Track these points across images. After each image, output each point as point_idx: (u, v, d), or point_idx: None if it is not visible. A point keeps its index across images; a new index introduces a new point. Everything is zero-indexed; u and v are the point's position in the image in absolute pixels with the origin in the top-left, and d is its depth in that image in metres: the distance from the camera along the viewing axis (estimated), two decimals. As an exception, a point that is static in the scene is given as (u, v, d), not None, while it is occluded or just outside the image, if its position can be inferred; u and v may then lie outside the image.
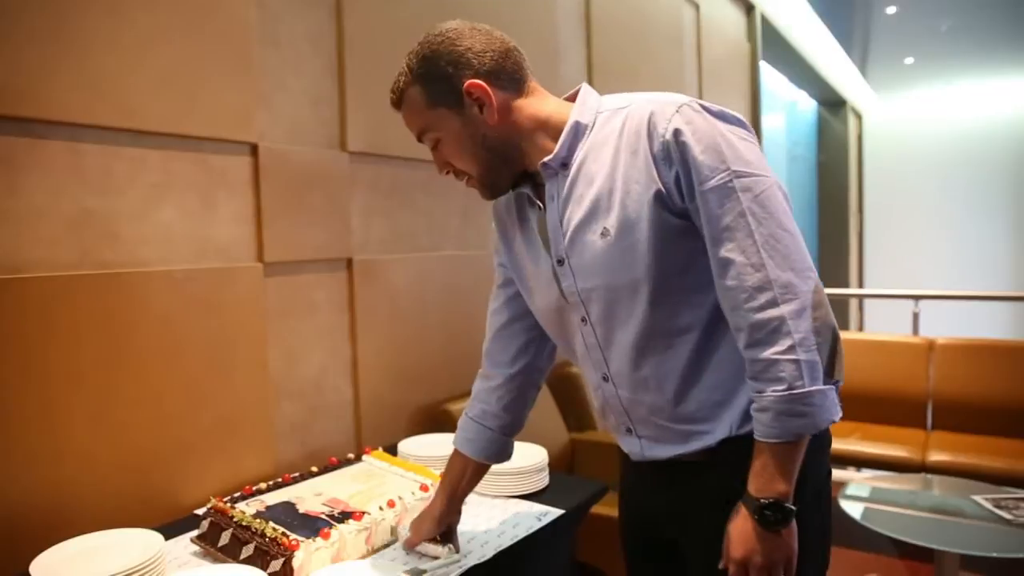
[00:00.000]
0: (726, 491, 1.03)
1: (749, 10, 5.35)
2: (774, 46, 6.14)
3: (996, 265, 9.35)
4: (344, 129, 2.04)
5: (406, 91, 1.11)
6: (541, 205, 1.14)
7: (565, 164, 1.09)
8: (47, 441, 1.39)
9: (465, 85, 1.06)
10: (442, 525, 1.34)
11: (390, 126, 2.17)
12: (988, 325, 6.17)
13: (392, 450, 1.92)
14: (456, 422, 2.16)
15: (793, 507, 0.96)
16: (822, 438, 1.07)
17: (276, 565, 1.25)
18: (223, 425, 1.71)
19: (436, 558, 1.31)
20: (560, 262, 1.11)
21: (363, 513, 1.41)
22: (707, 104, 1.01)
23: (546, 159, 1.09)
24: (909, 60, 8.60)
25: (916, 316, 4.60)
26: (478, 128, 1.09)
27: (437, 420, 2.29)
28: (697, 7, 4.39)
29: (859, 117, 10.32)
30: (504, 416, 1.31)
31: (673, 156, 0.98)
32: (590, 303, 1.09)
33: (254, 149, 1.79)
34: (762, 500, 0.96)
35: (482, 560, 1.35)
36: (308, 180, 1.92)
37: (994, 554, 2.20)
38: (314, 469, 1.68)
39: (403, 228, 2.28)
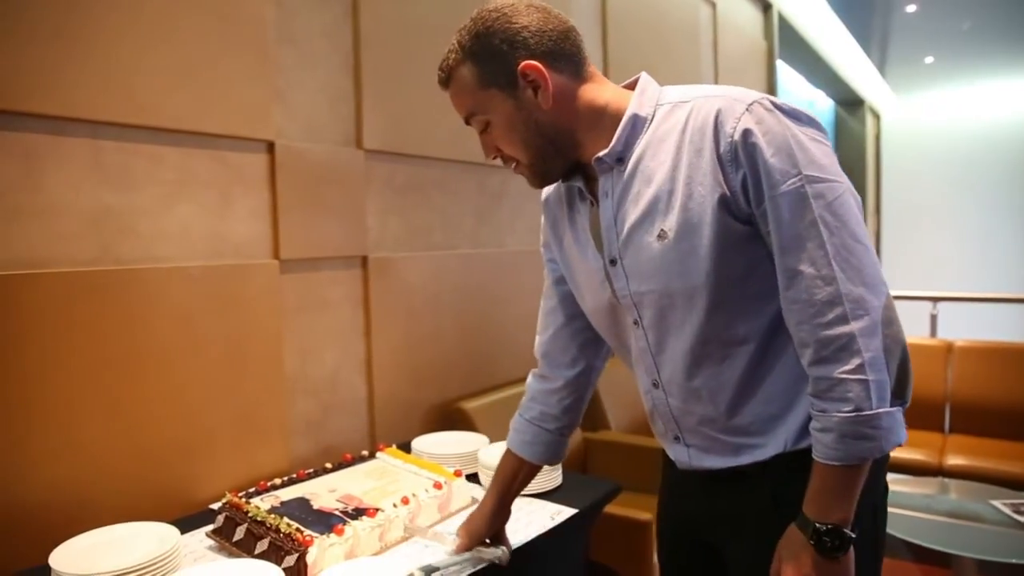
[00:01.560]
0: (775, 498, 1.00)
1: (766, 8, 5.30)
2: (791, 45, 6.09)
3: (1017, 267, 9.22)
4: (360, 127, 2.04)
5: (455, 69, 1.04)
6: (593, 201, 1.08)
7: (621, 159, 1.03)
8: (66, 435, 1.41)
9: (520, 66, 0.99)
10: (494, 527, 1.28)
11: (406, 124, 2.19)
12: (1008, 327, 6.08)
13: (406, 447, 1.92)
14: (470, 420, 2.15)
15: (853, 534, 0.91)
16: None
17: (290, 560, 1.25)
18: (239, 421, 1.72)
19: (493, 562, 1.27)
20: (613, 262, 1.05)
21: (377, 510, 1.41)
22: (779, 102, 0.95)
23: (601, 153, 1.02)
24: (929, 59, 8.51)
25: (934, 318, 4.55)
26: (531, 113, 1.02)
27: (451, 418, 2.29)
28: (714, 5, 4.37)
29: (877, 117, 10.22)
30: (563, 418, 1.26)
31: (741, 158, 0.92)
32: (643, 307, 1.04)
33: (270, 147, 1.80)
34: (821, 525, 0.91)
35: (494, 558, 1.34)
36: (324, 178, 1.93)
37: (1013, 560, 2.17)
38: (328, 465, 1.69)
39: (418, 226, 2.28)
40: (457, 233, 2.45)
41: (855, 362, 0.88)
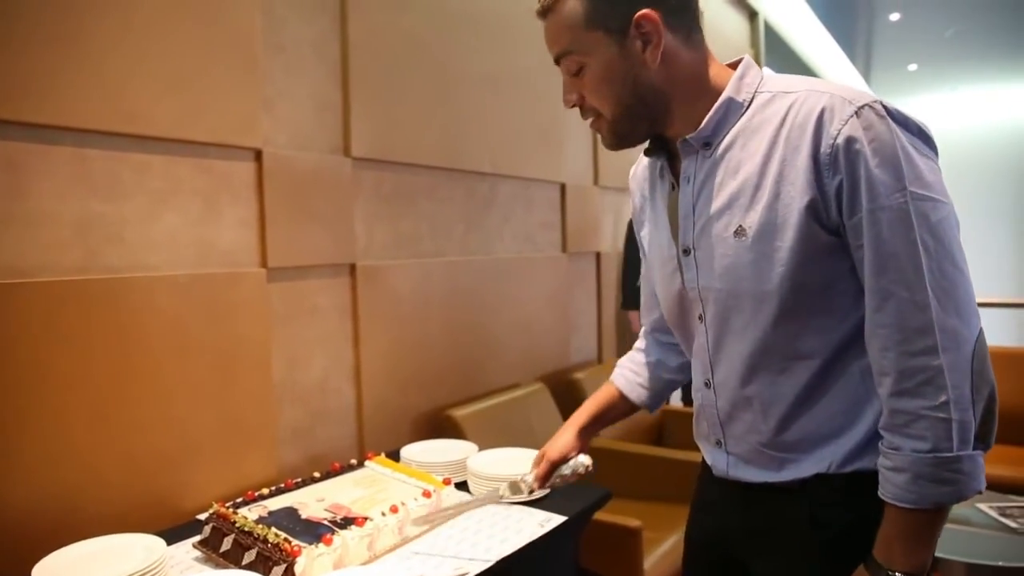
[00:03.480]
0: (812, 519, 0.97)
1: (752, 16, 5.35)
2: (778, 52, 6.15)
3: (1002, 271, 9.32)
4: (348, 135, 2.04)
5: (563, 1, 0.95)
6: (675, 183, 1.03)
7: (708, 144, 0.97)
8: (52, 445, 1.39)
9: (637, 14, 0.91)
10: (575, 447, 1.24)
11: (394, 132, 2.19)
12: (993, 332, 6.14)
13: (395, 455, 1.92)
14: (459, 427, 2.15)
15: None
16: None
17: (278, 571, 1.24)
18: (226, 429, 1.71)
19: (578, 472, 1.23)
20: (686, 252, 1.01)
21: (365, 519, 1.41)
22: (892, 107, 0.87)
23: (688, 136, 0.97)
24: (913, 67, 8.61)
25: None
26: (633, 67, 0.94)
27: (440, 426, 2.29)
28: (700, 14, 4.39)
29: (863, 123, 10.31)
30: (677, 374, 1.26)
31: (841, 163, 0.85)
32: (708, 302, 1.00)
33: (258, 155, 1.79)
34: (893, 573, 0.86)
35: (484, 567, 1.34)
36: (312, 186, 1.93)
37: (1000, 563, 2.19)
38: (317, 474, 1.68)
39: (406, 234, 2.28)
40: (446, 240, 2.45)
41: (940, 398, 0.82)
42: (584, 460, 1.23)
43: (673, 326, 1.14)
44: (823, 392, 0.94)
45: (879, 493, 0.87)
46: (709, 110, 0.96)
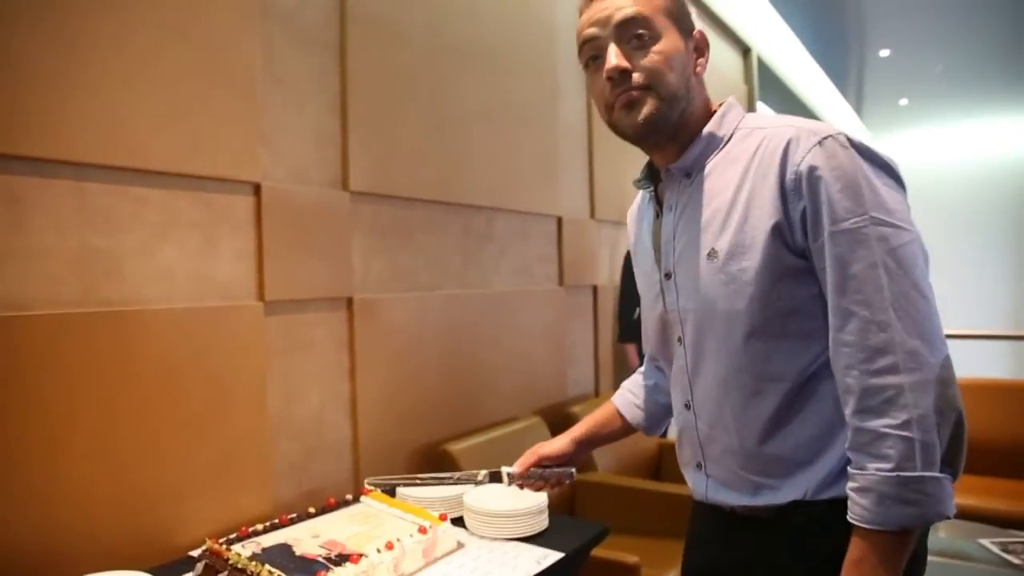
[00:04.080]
0: (794, 551, 0.97)
1: (746, 52, 5.45)
2: (771, 87, 6.24)
3: (995, 304, 9.36)
4: (346, 169, 2.06)
5: None
6: (659, 211, 1.11)
7: (688, 174, 1.04)
8: (45, 480, 1.38)
9: (696, 29, 1.05)
10: (562, 456, 1.27)
11: (392, 166, 2.21)
12: (987, 364, 6.15)
13: (391, 491, 1.90)
14: (455, 462, 2.14)
15: None
16: (923, 532, 0.97)
17: (271, 610, 1.22)
18: (221, 464, 1.69)
19: (561, 480, 1.27)
20: (668, 276, 1.07)
21: (360, 555, 1.39)
22: (856, 140, 0.92)
23: (670, 165, 1.05)
24: (904, 101, 8.73)
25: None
26: (690, 64, 1.03)
27: (436, 460, 2.27)
28: (694, 50, 4.47)
29: (855, 157, 10.42)
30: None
31: (804, 189, 0.90)
32: (686, 324, 1.04)
33: (257, 188, 1.80)
34: None
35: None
36: (310, 219, 1.93)
37: (1003, 599, 2.16)
38: (312, 510, 1.66)
39: (404, 267, 2.28)
40: (443, 274, 2.45)
41: (901, 417, 0.82)
42: (570, 470, 1.27)
43: (658, 353, 1.18)
44: (795, 415, 0.96)
45: (848, 516, 0.87)
46: (693, 142, 1.04)
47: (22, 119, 1.35)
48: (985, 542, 2.45)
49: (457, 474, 1.29)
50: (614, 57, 0.98)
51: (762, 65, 5.69)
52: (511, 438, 2.52)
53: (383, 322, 2.18)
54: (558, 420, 2.82)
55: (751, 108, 5.42)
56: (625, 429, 1.33)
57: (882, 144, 10.65)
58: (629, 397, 1.34)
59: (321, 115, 2.01)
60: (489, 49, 2.64)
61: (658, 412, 1.31)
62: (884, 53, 6.77)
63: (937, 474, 0.82)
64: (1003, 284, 9.51)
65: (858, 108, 9.19)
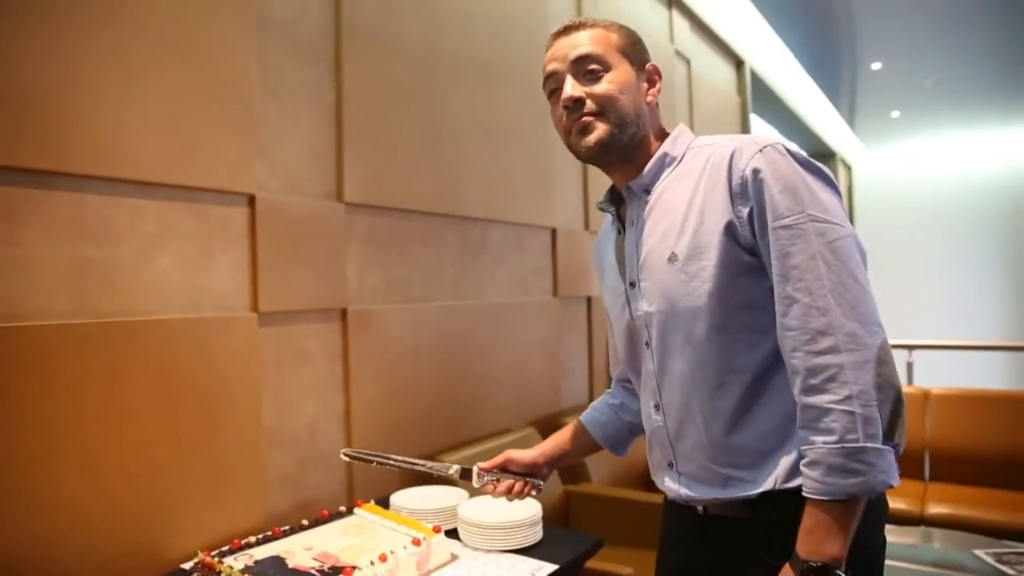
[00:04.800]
0: (767, 550, 1.00)
1: (739, 65, 5.48)
2: (764, 99, 6.28)
3: (989, 314, 9.40)
4: (341, 180, 2.06)
5: (602, 28, 1.14)
6: (621, 228, 1.20)
7: (647, 190, 1.14)
8: (38, 492, 1.37)
9: (649, 63, 1.16)
10: (528, 467, 1.33)
11: (387, 177, 2.21)
12: (982, 375, 6.17)
13: (384, 503, 1.89)
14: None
15: (842, 574, 0.90)
16: (878, 503, 1.03)
17: (264, 623, 1.22)
18: (214, 475, 1.69)
19: (530, 486, 1.32)
20: (632, 285, 1.14)
21: (354, 568, 1.38)
22: (794, 149, 1.02)
23: (630, 182, 1.14)
24: (895, 113, 8.81)
25: (910, 366, 4.61)
26: (640, 93, 1.14)
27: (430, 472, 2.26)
28: (688, 62, 4.50)
29: (849, 168, 10.50)
30: (637, 418, 1.31)
31: (750, 192, 1.00)
32: (652, 327, 1.11)
33: (251, 200, 1.81)
34: (810, 563, 0.91)
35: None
36: (305, 231, 1.94)
37: (997, 610, 2.16)
38: (305, 522, 1.65)
39: (398, 278, 2.29)
40: (437, 285, 2.46)
41: (843, 393, 0.90)
42: (538, 481, 1.33)
43: (628, 365, 1.24)
44: (757, 406, 1.03)
45: (803, 491, 0.93)
46: (648, 162, 1.14)
47: (17, 130, 1.35)
48: (980, 553, 2.45)
49: (431, 463, 1.35)
50: (570, 88, 1.11)
51: (755, 78, 5.73)
52: (505, 449, 2.51)
53: (377, 333, 2.17)
54: (552, 431, 2.81)
55: (744, 120, 5.45)
56: (592, 446, 1.39)
57: (875, 156, 10.72)
58: (595, 415, 1.39)
59: (316, 127, 2.01)
60: (484, 62, 2.66)
61: (622, 430, 1.37)
62: (876, 66, 6.83)
63: (879, 445, 0.89)
64: (998, 295, 9.56)
65: (850, 120, 9.26)
